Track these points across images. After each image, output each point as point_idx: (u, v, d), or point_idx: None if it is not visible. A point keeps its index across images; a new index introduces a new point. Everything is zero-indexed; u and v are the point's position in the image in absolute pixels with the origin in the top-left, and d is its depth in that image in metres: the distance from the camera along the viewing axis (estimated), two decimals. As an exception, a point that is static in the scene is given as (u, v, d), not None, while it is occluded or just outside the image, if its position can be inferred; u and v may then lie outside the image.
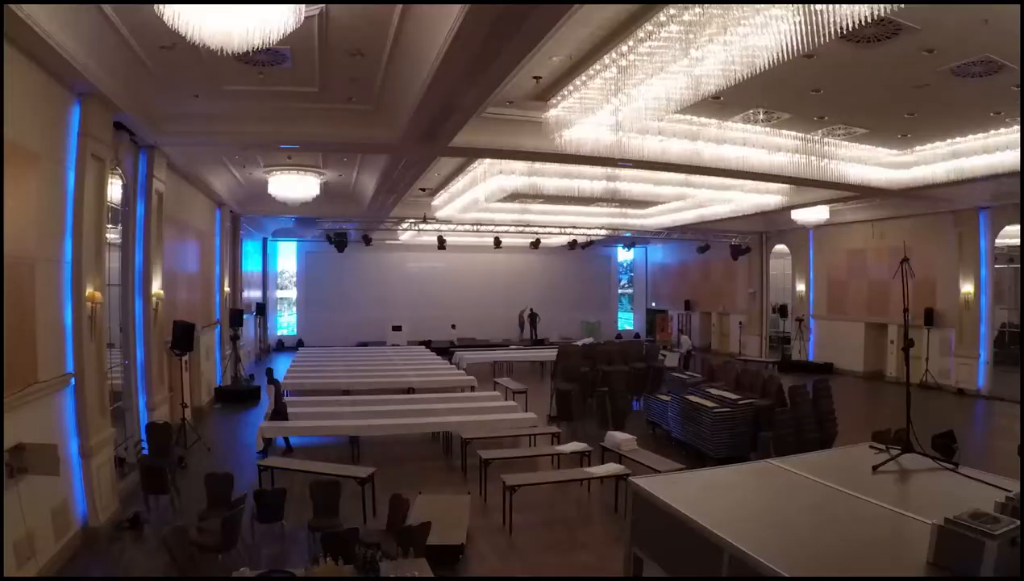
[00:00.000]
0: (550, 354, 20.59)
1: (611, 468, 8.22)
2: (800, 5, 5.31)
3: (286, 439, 10.54)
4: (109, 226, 8.17)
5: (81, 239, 6.99)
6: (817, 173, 11.56)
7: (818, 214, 17.41)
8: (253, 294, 22.66)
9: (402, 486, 8.43)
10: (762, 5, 5.54)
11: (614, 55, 7.10)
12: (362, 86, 8.49)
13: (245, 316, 18.40)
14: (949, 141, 11.32)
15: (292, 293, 26.82)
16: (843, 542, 2.99)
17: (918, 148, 11.89)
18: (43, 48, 5.71)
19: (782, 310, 22.53)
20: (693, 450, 10.39)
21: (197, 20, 4.60)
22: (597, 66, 7.54)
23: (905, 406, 4.39)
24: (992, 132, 10.64)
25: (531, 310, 26.81)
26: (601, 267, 30.42)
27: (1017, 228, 14.73)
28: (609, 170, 13.16)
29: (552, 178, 13.68)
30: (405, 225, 20.23)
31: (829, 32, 5.29)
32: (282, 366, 18.05)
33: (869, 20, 5.15)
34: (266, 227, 22.73)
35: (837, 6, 5.09)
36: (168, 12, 4.57)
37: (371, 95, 8.82)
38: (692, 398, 10.80)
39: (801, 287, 21.81)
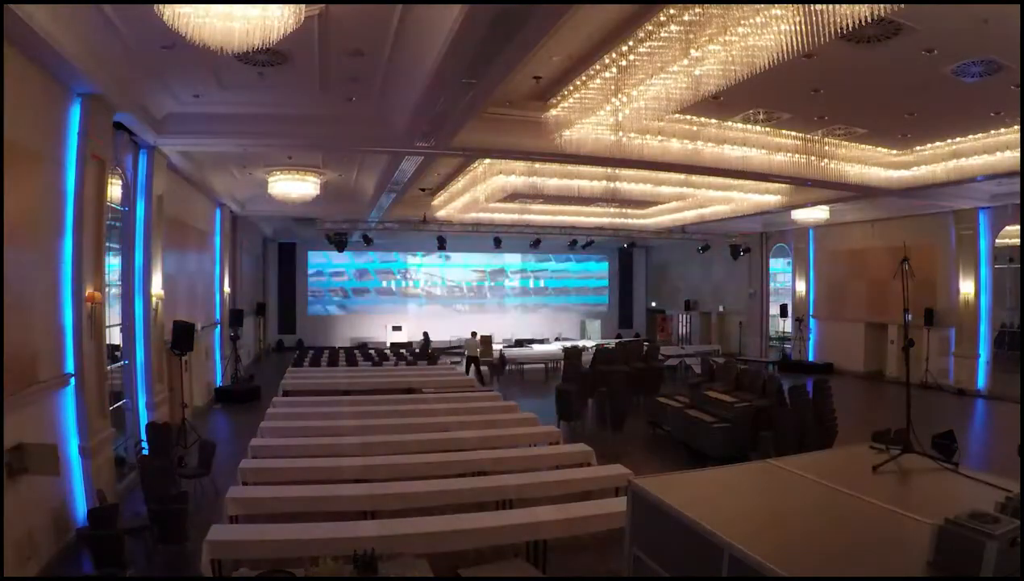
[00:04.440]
0: (555, 354, 20.72)
1: (611, 469, 8.21)
2: (800, 5, 5.32)
3: None
4: (109, 226, 8.18)
5: (81, 239, 7.00)
6: (817, 173, 11.57)
7: (818, 214, 17.42)
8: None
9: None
10: (762, 5, 5.55)
11: (614, 55, 7.10)
12: (362, 86, 8.50)
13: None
14: (949, 141, 11.32)
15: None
16: (843, 542, 2.99)
17: (918, 148, 11.89)
18: (43, 48, 5.70)
19: (782, 310, 22.54)
20: (694, 450, 10.42)
21: (197, 20, 4.61)
22: (597, 66, 7.54)
23: (905, 406, 4.39)
24: (992, 132, 10.64)
25: None
26: (601, 267, 30.45)
27: (1017, 228, 14.73)
28: (609, 170, 13.16)
29: (552, 178, 13.68)
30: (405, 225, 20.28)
31: (829, 32, 5.29)
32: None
33: (869, 20, 5.15)
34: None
35: (837, 6, 5.10)
36: (168, 12, 4.58)
37: (371, 95, 8.82)
38: (691, 412, 10.90)
39: (801, 287, 21.82)
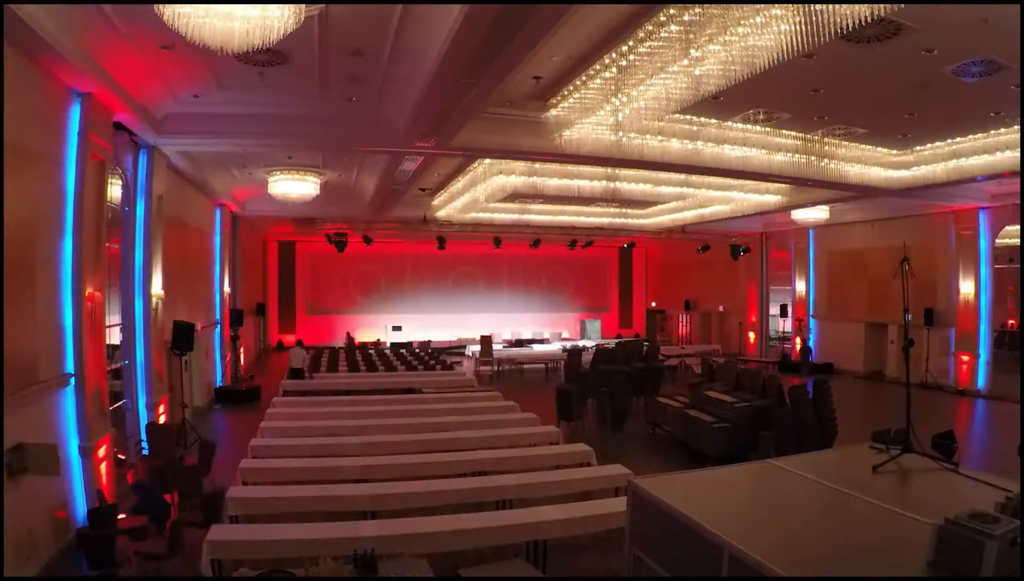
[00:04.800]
0: (555, 354, 20.71)
1: (611, 469, 8.21)
2: (800, 5, 5.32)
3: None
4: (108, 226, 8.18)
5: (81, 239, 7.00)
6: (817, 173, 11.58)
7: (818, 214, 17.42)
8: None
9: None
10: (762, 5, 5.55)
11: (614, 55, 7.11)
12: (362, 86, 8.50)
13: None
14: (949, 141, 11.33)
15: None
16: (843, 542, 3.00)
17: (918, 148, 11.89)
18: (43, 48, 5.71)
19: (782, 310, 22.53)
20: (694, 450, 10.43)
21: (197, 20, 4.61)
22: (597, 66, 7.55)
23: (905, 406, 4.39)
24: (992, 132, 10.64)
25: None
26: (601, 267, 30.43)
27: (1017, 228, 14.73)
28: (609, 170, 13.17)
29: (552, 178, 13.68)
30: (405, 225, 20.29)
31: (829, 32, 5.29)
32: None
33: (869, 20, 5.15)
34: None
35: (837, 6, 5.10)
36: (168, 12, 4.58)
37: (371, 95, 8.82)
38: (691, 412, 10.92)
39: (801, 287, 21.81)
